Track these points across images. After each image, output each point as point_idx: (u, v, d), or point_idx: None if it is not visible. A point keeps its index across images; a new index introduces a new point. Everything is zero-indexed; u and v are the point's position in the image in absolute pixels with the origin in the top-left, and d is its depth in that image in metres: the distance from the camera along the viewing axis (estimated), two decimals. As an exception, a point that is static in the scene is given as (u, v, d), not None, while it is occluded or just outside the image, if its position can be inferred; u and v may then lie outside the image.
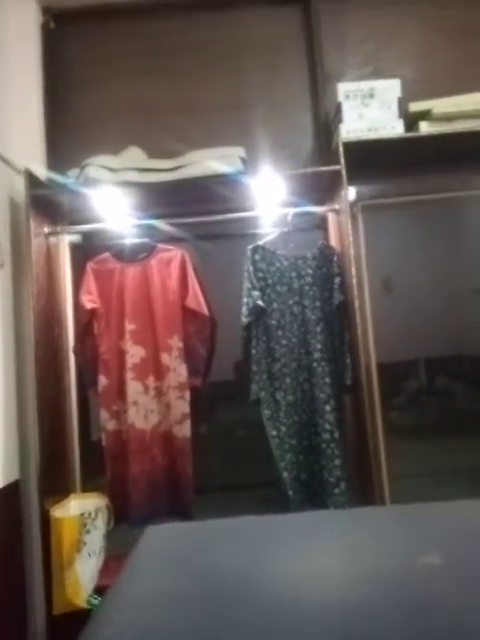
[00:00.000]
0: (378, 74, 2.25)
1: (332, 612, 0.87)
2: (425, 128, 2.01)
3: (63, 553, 1.83)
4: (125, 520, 2.00)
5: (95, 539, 1.95)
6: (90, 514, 1.93)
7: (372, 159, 2.08)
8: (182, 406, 2.04)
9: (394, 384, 5.41)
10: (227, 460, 2.95)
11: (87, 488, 2.17)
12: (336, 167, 1.98)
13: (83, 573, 1.90)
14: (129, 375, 2.01)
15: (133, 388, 2.00)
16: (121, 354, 2.03)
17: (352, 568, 1.03)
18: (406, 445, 4.31)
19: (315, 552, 1.13)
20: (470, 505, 1.32)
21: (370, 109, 2.04)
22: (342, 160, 1.95)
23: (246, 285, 2.07)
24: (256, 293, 2.05)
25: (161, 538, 1.31)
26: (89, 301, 2.06)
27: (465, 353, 5.05)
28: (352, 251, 1.99)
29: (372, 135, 2.02)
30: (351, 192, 2.17)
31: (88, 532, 1.93)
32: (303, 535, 1.22)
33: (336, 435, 2.01)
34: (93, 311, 2.07)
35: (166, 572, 1.12)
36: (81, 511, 1.92)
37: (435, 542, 1.09)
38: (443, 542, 1.10)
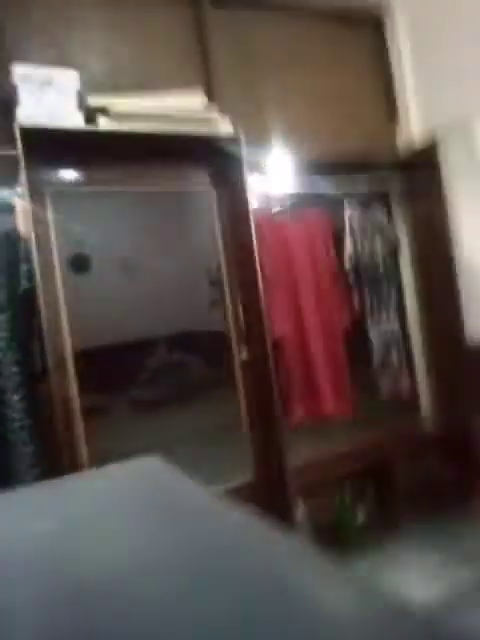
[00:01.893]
0: (62, 60, 2.25)
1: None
2: (104, 123, 2.10)
3: None
4: None
5: None
6: None
7: (56, 147, 2.11)
8: None
9: (136, 362, 5.65)
10: None
11: None
12: (13, 151, 1.94)
13: None
14: None
15: None
16: None
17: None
18: (150, 418, 4.57)
19: None
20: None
21: (48, 96, 2.04)
22: (19, 144, 1.93)
23: None
24: None
25: None
26: None
27: (194, 329, 5.53)
28: (34, 235, 1.99)
29: (51, 123, 2.03)
30: (39, 177, 2.17)
31: None
32: None
33: (26, 423, 2.03)
34: None
35: None
36: None
37: (54, 509, 1.18)
38: (65, 508, 1.19)
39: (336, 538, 2.63)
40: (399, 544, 2.62)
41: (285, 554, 0.77)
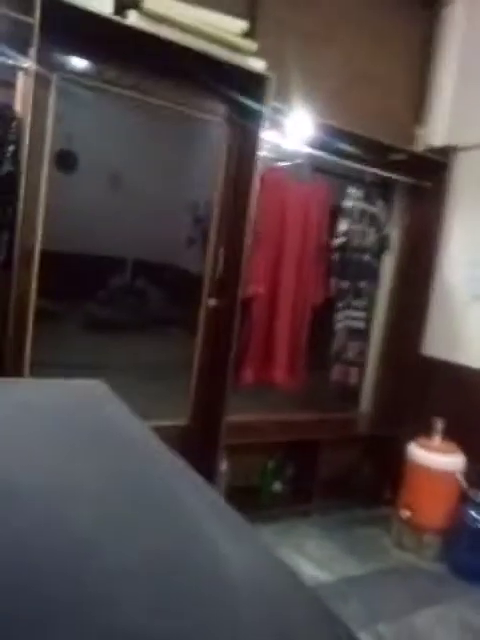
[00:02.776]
0: None
1: None
2: (133, 19, 1.94)
3: None
4: None
5: None
6: None
7: (75, 30, 1.93)
8: None
9: (100, 278, 5.51)
10: None
11: None
12: (29, 19, 1.78)
13: None
14: None
15: None
16: None
17: None
18: (100, 338, 4.49)
19: None
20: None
21: (82, -29, 1.86)
22: (37, 13, 1.76)
23: None
24: None
25: None
26: None
27: (173, 263, 5.41)
28: (30, 119, 1.86)
29: (76, 1, 1.85)
30: (49, 57, 2.00)
31: None
32: None
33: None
34: None
35: None
36: None
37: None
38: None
39: (251, 499, 2.70)
40: (304, 523, 2.72)
41: (198, 499, 0.78)
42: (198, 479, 0.88)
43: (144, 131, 3.46)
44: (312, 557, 2.41)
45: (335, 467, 2.95)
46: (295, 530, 2.63)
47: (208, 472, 2.25)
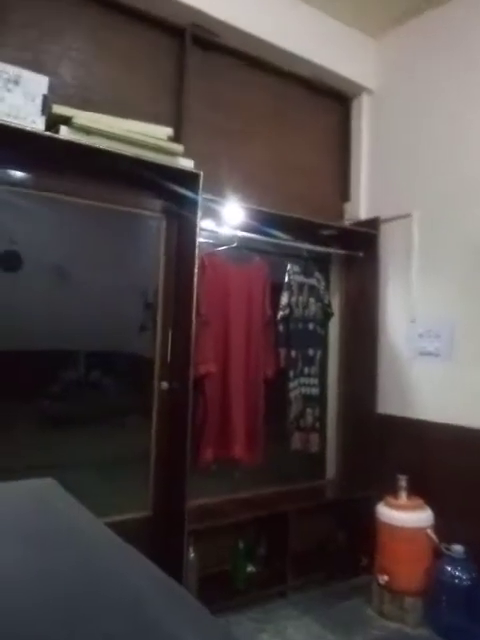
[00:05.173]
0: (37, 64, 2.24)
1: None
2: (64, 133, 2.09)
3: None
4: None
5: None
6: None
7: (10, 146, 2.07)
8: None
9: (50, 373, 5.40)
10: None
11: None
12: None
13: None
14: None
15: None
16: None
17: None
18: (56, 435, 4.34)
19: None
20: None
21: (13, 95, 2.02)
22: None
23: None
24: None
25: None
26: None
27: (117, 350, 5.41)
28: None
29: (10, 121, 1.99)
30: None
31: None
32: None
33: None
34: None
35: None
36: None
37: None
38: None
39: (225, 586, 2.59)
40: (282, 604, 2.62)
41: (158, 598, 0.75)
42: (154, 568, 0.87)
43: (87, 228, 3.59)
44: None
45: (307, 540, 2.89)
46: (274, 613, 2.53)
47: (175, 562, 2.17)
